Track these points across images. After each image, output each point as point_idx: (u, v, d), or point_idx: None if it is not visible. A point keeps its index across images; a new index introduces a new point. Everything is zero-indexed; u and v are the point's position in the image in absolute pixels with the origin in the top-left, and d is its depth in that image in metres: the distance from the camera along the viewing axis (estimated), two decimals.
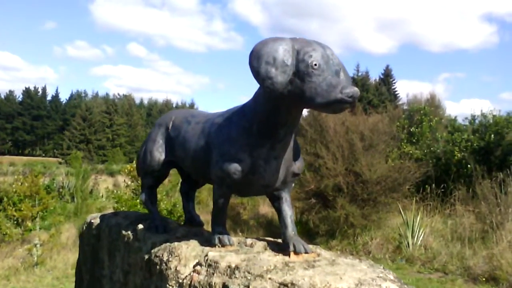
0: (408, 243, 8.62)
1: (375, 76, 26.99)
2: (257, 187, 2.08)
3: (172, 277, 2.09)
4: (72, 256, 8.07)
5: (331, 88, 1.63)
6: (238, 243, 2.19)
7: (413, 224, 8.69)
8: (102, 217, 3.14)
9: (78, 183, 14.96)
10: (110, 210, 7.61)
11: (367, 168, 9.19)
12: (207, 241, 2.21)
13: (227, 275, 1.82)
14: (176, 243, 2.18)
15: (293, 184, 2.20)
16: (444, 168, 10.47)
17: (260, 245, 2.14)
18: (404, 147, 11.65)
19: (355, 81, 23.35)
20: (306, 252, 1.94)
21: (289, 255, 1.93)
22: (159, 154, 2.54)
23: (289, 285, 1.61)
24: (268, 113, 1.88)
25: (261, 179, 2.01)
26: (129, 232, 2.66)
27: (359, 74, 25.22)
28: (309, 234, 9.89)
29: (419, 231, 8.81)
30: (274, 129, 1.91)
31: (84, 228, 3.38)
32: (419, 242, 8.72)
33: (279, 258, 1.89)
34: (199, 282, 1.94)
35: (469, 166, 10.01)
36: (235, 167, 1.95)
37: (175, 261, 2.11)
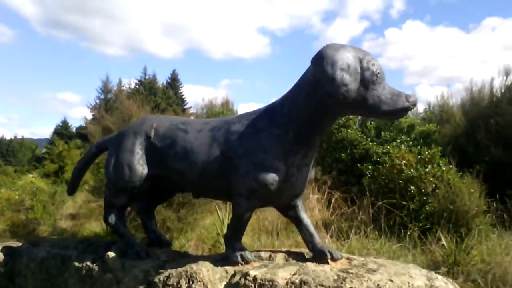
0: None
1: (162, 79, 27.15)
2: (287, 197, 2.06)
3: None
4: None
5: (396, 97, 1.78)
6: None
7: (228, 222, 9.10)
8: (12, 251, 2.57)
9: None
10: None
11: None
12: (222, 259, 2.09)
13: None
14: (193, 267, 2.00)
15: None
16: None
17: (280, 256, 2.14)
18: None
19: (142, 84, 23.10)
20: (341, 258, 2.04)
21: (327, 263, 1.99)
22: (141, 167, 2.24)
23: None
24: (311, 120, 1.90)
25: (293, 188, 2.01)
26: (87, 263, 2.28)
27: (147, 77, 24.95)
28: None
29: None
30: (312, 136, 1.95)
31: None
32: None
33: (329, 266, 1.94)
34: None
35: None
36: (272, 177, 1.92)
37: (199, 287, 1.94)
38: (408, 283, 1.72)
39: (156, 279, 2.02)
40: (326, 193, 9.18)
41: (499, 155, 7.22)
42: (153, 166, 2.25)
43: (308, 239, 2.09)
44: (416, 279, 1.75)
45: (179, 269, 2.01)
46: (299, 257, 2.11)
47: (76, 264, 2.29)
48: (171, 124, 2.27)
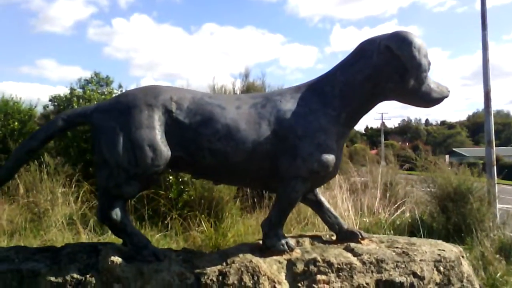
0: None
1: None
2: (327, 179, 2.01)
3: None
4: None
5: (442, 86, 1.95)
6: None
7: None
8: None
9: None
10: None
11: None
12: (260, 250, 1.87)
13: (373, 271, 1.78)
14: (252, 261, 1.74)
15: None
16: None
17: (307, 241, 2.04)
18: None
19: None
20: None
21: (359, 242, 2.01)
22: (165, 148, 1.76)
23: (442, 260, 1.88)
24: (363, 102, 1.91)
25: (335, 169, 1.97)
26: (72, 276, 1.66)
27: None
28: None
29: None
30: (358, 119, 1.97)
31: None
32: None
33: (375, 245, 1.97)
34: None
35: None
36: (333, 159, 1.85)
37: (266, 282, 1.70)
38: (451, 250, 1.95)
39: (207, 281, 1.67)
40: (74, 186, 8.49)
41: None
42: (177, 146, 1.81)
43: (334, 221, 2.06)
44: (450, 247, 2.00)
45: (235, 266, 1.71)
46: (322, 240, 2.06)
47: (52, 279, 1.63)
48: (194, 97, 1.87)
